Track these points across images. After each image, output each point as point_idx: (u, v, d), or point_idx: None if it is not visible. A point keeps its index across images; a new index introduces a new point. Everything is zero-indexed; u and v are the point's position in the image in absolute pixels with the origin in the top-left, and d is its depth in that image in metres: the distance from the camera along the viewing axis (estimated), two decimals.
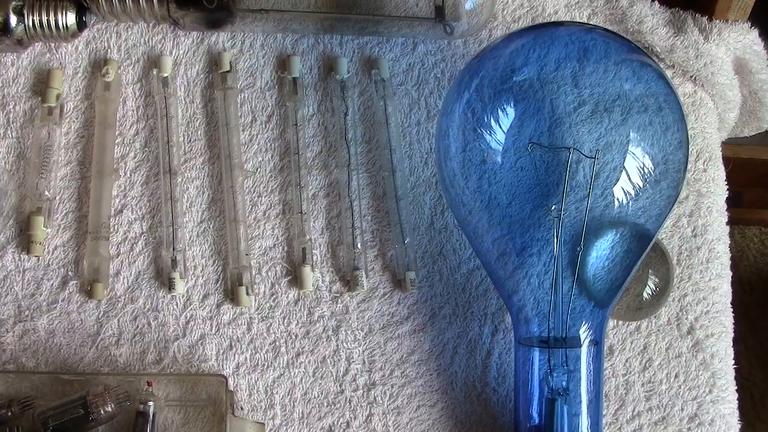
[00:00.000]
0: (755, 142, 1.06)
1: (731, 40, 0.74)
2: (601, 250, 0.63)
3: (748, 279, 1.40)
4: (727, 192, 0.75)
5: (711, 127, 0.75)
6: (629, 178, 0.61)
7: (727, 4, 0.74)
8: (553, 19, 0.75)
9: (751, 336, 1.37)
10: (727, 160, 0.76)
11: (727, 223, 0.75)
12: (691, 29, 0.74)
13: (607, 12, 0.75)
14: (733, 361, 0.71)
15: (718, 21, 0.74)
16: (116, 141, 0.70)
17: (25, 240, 0.67)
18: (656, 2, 0.75)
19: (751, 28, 0.75)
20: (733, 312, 0.73)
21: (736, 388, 0.71)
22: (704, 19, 0.74)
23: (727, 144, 0.81)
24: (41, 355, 0.66)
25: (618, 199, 0.62)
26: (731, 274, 0.74)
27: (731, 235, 0.76)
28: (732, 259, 0.75)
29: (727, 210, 0.75)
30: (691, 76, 0.75)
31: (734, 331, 0.72)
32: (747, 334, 1.35)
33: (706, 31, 0.74)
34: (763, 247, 1.42)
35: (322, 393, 0.67)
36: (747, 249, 1.40)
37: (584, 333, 0.63)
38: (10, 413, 0.61)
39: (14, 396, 0.63)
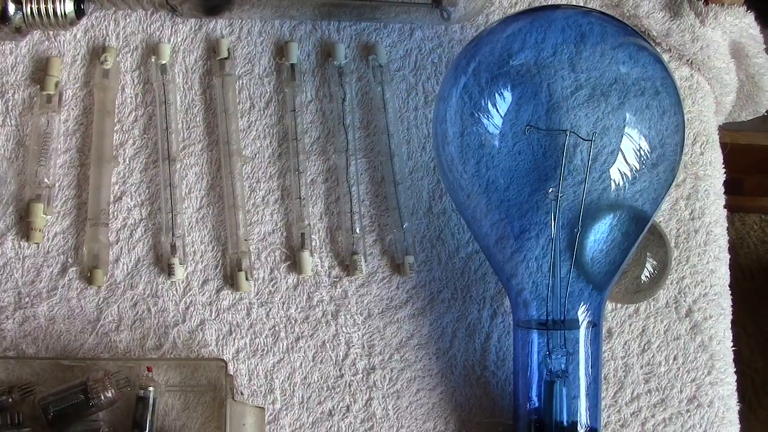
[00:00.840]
0: (754, 128, 1.07)
1: (727, 24, 0.74)
2: (599, 233, 0.63)
3: (749, 266, 1.40)
4: (725, 176, 0.75)
5: (708, 110, 0.76)
6: (626, 162, 0.62)
7: None
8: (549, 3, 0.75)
9: (752, 323, 1.37)
10: (723, 145, 0.76)
11: (725, 207, 0.75)
12: (687, 13, 0.74)
13: None
14: (731, 344, 0.71)
15: (714, 5, 0.74)
16: (115, 128, 0.70)
17: (24, 227, 0.68)
18: None
19: (747, 12, 0.75)
20: (733, 299, 0.73)
21: (734, 369, 0.71)
22: (700, 3, 0.74)
23: (726, 130, 0.81)
24: (41, 341, 0.66)
25: (615, 183, 0.62)
26: (729, 257, 0.74)
27: (732, 222, 0.76)
28: (732, 246, 0.75)
29: (727, 196, 0.75)
30: (688, 60, 0.75)
31: (734, 318, 0.72)
32: (747, 321, 1.35)
33: (702, 15, 0.74)
34: (764, 235, 1.42)
35: (321, 377, 0.68)
36: (747, 236, 1.40)
37: (582, 315, 0.63)
38: (10, 399, 0.62)
39: (15, 382, 0.63)
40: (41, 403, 0.61)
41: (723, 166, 0.75)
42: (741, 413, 0.71)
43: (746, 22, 0.75)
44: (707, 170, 0.74)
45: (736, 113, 0.84)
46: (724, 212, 0.74)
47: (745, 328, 1.34)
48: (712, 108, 0.76)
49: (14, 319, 0.67)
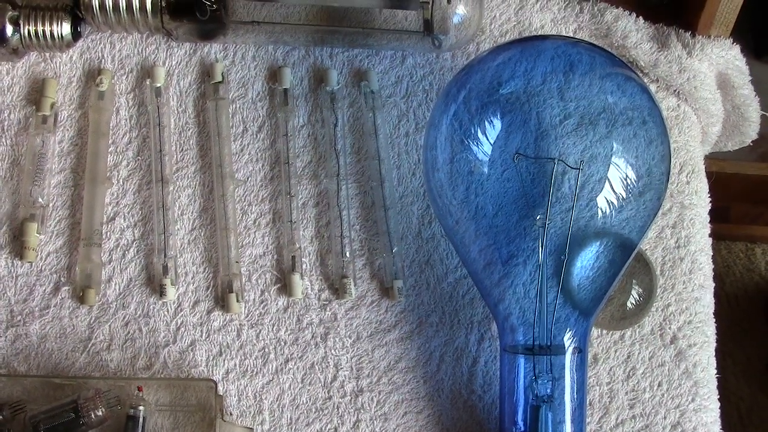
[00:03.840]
0: (741, 157, 1.08)
1: (714, 56, 0.75)
2: (586, 260, 0.64)
3: (735, 294, 1.41)
4: (711, 204, 0.76)
5: (694, 140, 0.77)
6: (613, 190, 0.62)
7: (710, 20, 0.75)
8: (539, 34, 0.76)
9: (738, 350, 1.37)
10: (709, 174, 0.77)
11: (711, 235, 0.76)
12: (675, 44, 0.75)
13: (593, 27, 0.76)
14: (715, 371, 0.72)
15: (700, 37, 0.75)
16: (109, 149, 0.71)
17: (18, 246, 0.68)
18: (640, 18, 0.76)
19: (733, 44, 0.76)
20: (719, 327, 0.73)
21: (718, 396, 0.72)
22: (687, 34, 0.76)
23: (712, 158, 0.82)
24: (33, 359, 0.67)
25: (602, 210, 0.63)
26: (714, 285, 0.75)
27: (717, 250, 0.76)
28: (718, 274, 0.76)
29: (713, 224, 0.76)
30: (675, 90, 0.76)
31: (720, 346, 0.73)
32: (734, 348, 1.36)
33: (689, 47, 0.75)
34: (749, 263, 1.42)
35: (310, 399, 0.68)
36: (733, 264, 1.41)
37: (569, 341, 0.64)
38: (1, 417, 0.62)
39: (5, 400, 0.63)
40: (32, 421, 0.61)
41: (709, 195, 0.76)
42: None
43: (732, 53, 0.76)
44: (693, 199, 0.75)
45: (722, 143, 0.85)
46: (710, 241, 0.75)
47: (731, 355, 1.35)
48: (699, 138, 0.78)
49: (6, 336, 0.67)
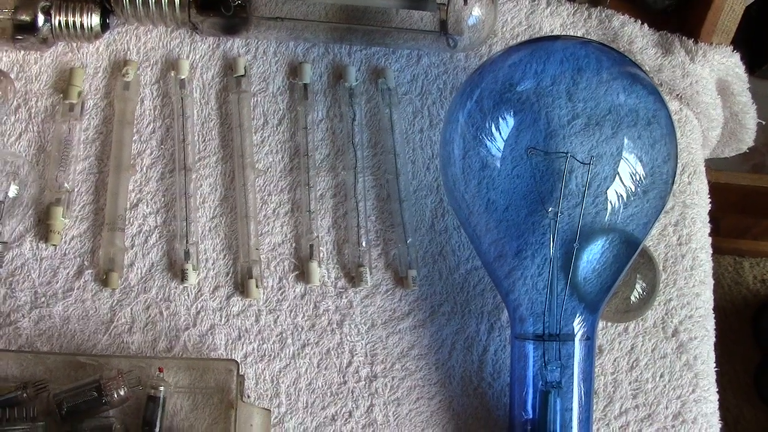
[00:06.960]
0: (734, 168, 1.10)
1: (715, 62, 0.78)
2: (592, 255, 0.66)
3: (723, 307, 1.43)
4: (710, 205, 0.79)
5: (696, 143, 0.79)
6: (618, 188, 0.64)
7: (711, 28, 0.78)
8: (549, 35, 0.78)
9: (726, 362, 1.39)
10: (708, 182, 0.80)
11: (710, 235, 0.78)
12: (678, 50, 0.78)
13: (600, 32, 0.79)
14: (714, 364, 0.75)
15: (702, 43, 0.78)
16: (134, 138, 0.72)
17: (43, 230, 0.70)
18: (645, 25, 0.79)
19: (733, 51, 0.79)
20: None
21: (717, 389, 0.74)
22: (690, 41, 0.78)
23: (706, 168, 0.85)
24: (56, 340, 0.68)
25: (609, 206, 0.64)
26: (713, 282, 0.77)
27: None
28: None
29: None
30: (678, 95, 0.79)
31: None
32: (722, 360, 1.37)
33: (692, 53, 0.78)
34: (738, 276, 1.44)
35: (325, 383, 0.70)
36: (722, 277, 1.43)
37: (577, 328, 0.65)
38: (25, 395, 0.63)
39: (29, 379, 0.64)
40: (55, 399, 0.62)
41: (708, 195, 0.79)
42: None
43: (732, 61, 0.79)
44: (694, 199, 0.77)
45: (719, 149, 0.88)
46: (709, 239, 0.77)
47: (720, 366, 1.36)
48: (700, 141, 0.80)
49: (30, 317, 0.68)
